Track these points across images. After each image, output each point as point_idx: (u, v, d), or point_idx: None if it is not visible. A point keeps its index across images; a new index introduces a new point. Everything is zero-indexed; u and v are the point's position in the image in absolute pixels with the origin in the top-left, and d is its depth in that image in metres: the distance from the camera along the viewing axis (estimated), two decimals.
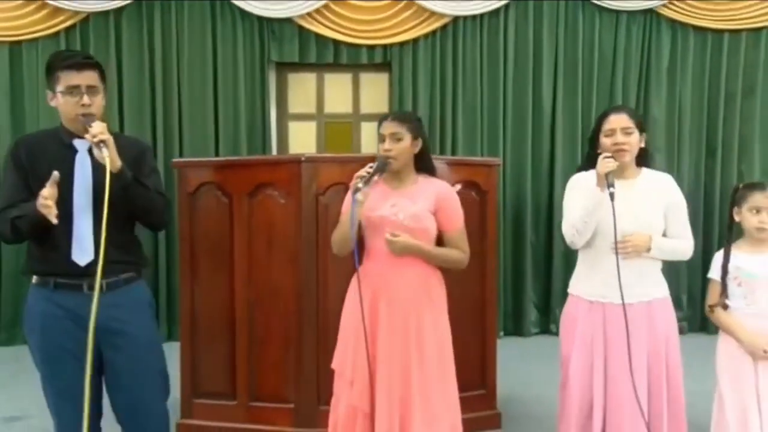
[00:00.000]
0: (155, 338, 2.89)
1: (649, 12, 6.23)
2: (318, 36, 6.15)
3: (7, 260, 6.04)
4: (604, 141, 3.00)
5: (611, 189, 2.81)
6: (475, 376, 3.88)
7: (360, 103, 6.50)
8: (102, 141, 2.49)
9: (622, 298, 2.87)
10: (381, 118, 3.09)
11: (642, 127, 3.05)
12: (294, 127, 6.53)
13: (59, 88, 2.63)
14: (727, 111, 6.32)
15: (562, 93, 6.21)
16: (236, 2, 6.02)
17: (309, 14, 6.05)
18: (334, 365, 3.07)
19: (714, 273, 3.19)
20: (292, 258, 3.62)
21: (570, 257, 6.07)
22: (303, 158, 3.60)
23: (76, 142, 2.67)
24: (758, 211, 3.10)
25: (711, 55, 6.32)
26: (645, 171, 3.09)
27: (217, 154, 6.03)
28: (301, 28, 6.13)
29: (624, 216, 2.87)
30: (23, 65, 6.03)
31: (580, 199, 2.98)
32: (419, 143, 3.05)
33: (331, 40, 6.16)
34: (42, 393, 2.78)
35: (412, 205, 2.97)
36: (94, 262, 2.51)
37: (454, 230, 3.06)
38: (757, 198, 3.10)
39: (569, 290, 3.19)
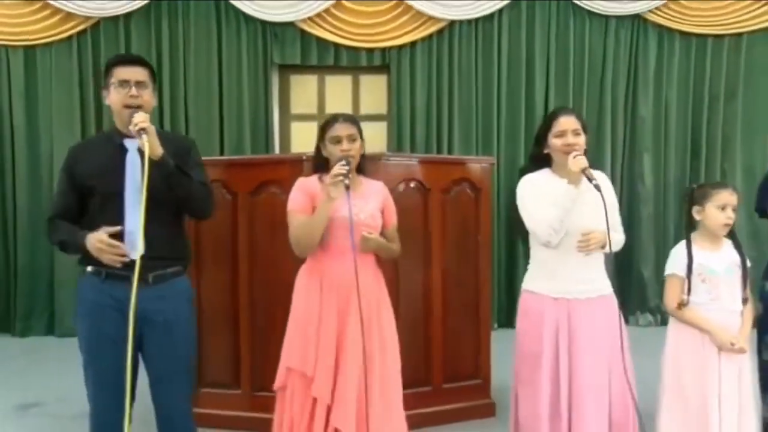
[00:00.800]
0: (191, 334, 2.91)
1: (637, 17, 6.23)
2: (319, 39, 6.14)
3: (22, 256, 6.04)
4: (555, 141, 2.96)
5: (594, 182, 2.79)
6: (470, 367, 3.89)
7: (360, 104, 6.50)
8: (143, 129, 2.55)
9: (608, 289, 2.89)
10: (330, 120, 3.04)
11: (586, 129, 3.02)
12: (296, 127, 6.53)
13: (111, 82, 2.72)
14: (710, 113, 6.33)
15: (554, 94, 6.21)
16: (240, 7, 6.02)
17: (310, 18, 6.05)
18: (292, 364, 2.98)
19: (677, 269, 3.15)
20: (294, 253, 3.61)
21: None
22: (304, 157, 3.59)
23: (127, 142, 2.72)
24: (724, 208, 3.10)
25: (695, 59, 6.32)
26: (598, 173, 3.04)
27: (222, 153, 6.02)
28: (302, 31, 6.13)
29: (584, 214, 2.86)
30: (38, 68, 6.05)
31: (545, 199, 2.94)
32: (364, 144, 3.07)
33: (332, 44, 6.15)
34: (65, 385, 2.79)
35: (367, 205, 3.00)
36: (144, 256, 2.56)
37: (393, 225, 3.12)
38: (725, 195, 3.10)
39: (527, 287, 3.12)
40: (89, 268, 2.73)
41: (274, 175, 3.69)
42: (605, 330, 2.96)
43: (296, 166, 3.59)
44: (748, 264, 3.16)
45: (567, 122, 2.96)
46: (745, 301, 3.14)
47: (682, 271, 3.11)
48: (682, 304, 3.10)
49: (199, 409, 3.70)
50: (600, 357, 2.96)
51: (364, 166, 3.15)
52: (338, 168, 2.81)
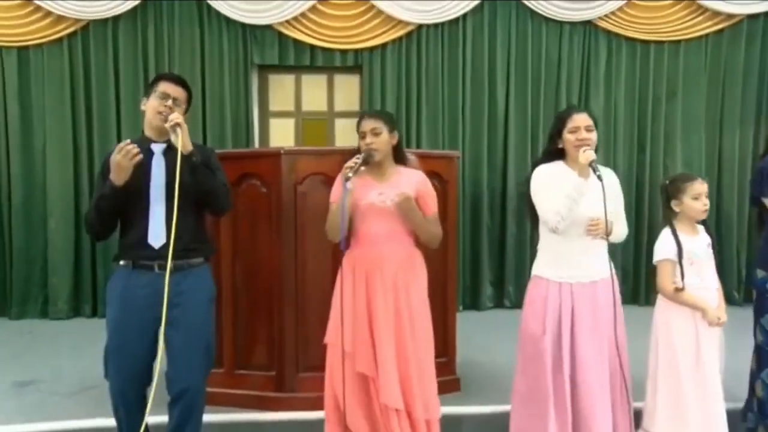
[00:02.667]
0: (208, 320, 2.93)
1: (589, 24, 6.24)
2: (296, 41, 6.08)
3: (17, 244, 5.93)
4: (569, 137, 2.99)
5: (598, 173, 2.84)
6: (437, 346, 3.78)
7: (334, 101, 6.44)
8: (177, 124, 2.69)
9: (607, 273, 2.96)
10: (359, 117, 3.06)
11: (597, 126, 3.06)
12: (274, 124, 6.47)
13: (154, 91, 2.84)
14: (654, 112, 6.36)
15: (514, 93, 6.20)
16: (222, 10, 5.93)
17: (288, 22, 5.98)
18: (327, 340, 3.01)
19: (668, 254, 3.15)
20: (273, 240, 3.56)
21: (521, 239, 6.16)
22: (282, 151, 3.55)
23: (153, 146, 2.82)
24: (699, 197, 3.14)
25: (640, 63, 6.35)
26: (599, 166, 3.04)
27: None
28: (280, 34, 6.06)
29: (590, 204, 2.88)
30: (30, 68, 5.93)
31: (557, 188, 2.95)
32: (396, 136, 3.04)
33: (308, 45, 6.09)
34: (59, 364, 2.76)
35: (397, 193, 2.95)
36: (167, 245, 2.68)
37: (431, 215, 3.07)
38: (697, 186, 3.15)
39: (537, 273, 3.12)
40: (121, 263, 2.84)
41: (254, 168, 3.63)
42: (605, 309, 3.00)
43: (275, 160, 3.53)
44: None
45: (580, 119, 3.00)
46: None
47: (673, 256, 3.12)
48: (679, 289, 3.11)
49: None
50: (601, 334, 2.99)
51: (402, 156, 3.13)
52: (350, 162, 2.84)
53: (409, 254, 3.04)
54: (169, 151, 2.79)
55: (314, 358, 3.30)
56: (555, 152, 3.08)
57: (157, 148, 2.82)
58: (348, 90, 6.40)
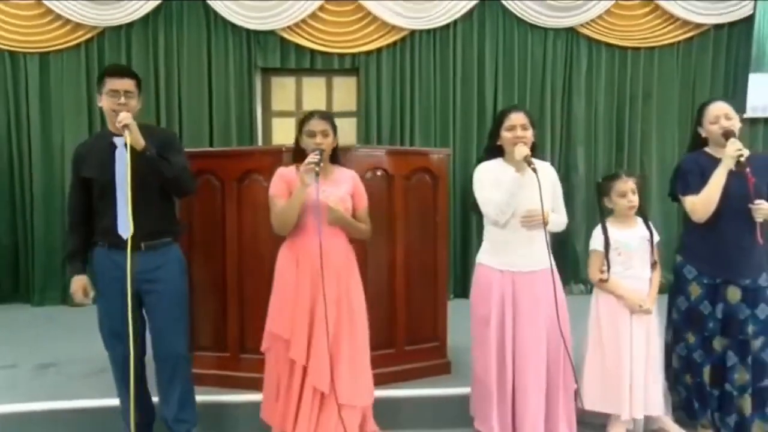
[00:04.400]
0: (181, 290, 3.02)
1: (571, 30, 6.22)
2: (297, 46, 6.04)
3: (38, 235, 5.91)
4: (505, 135, 3.00)
5: (532, 166, 2.82)
6: (429, 331, 3.84)
7: (333, 102, 6.39)
8: (125, 125, 2.68)
9: (547, 263, 2.96)
10: (307, 116, 3.03)
11: (534, 124, 3.05)
12: (276, 123, 6.42)
13: (104, 90, 2.82)
14: (631, 112, 6.35)
15: (502, 95, 6.17)
16: (228, 17, 5.89)
17: (289, 27, 5.94)
18: (273, 329, 2.97)
19: (597, 246, 3.28)
20: (273, 231, 3.51)
21: None
22: (284, 149, 3.50)
23: (116, 140, 2.83)
24: (624, 194, 3.21)
25: (618, 67, 6.33)
26: (534, 160, 3.01)
27: (211, 145, 5.92)
28: (282, 39, 6.02)
29: (529, 197, 2.87)
30: (50, 72, 5.90)
31: (495, 184, 2.98)
32: (337, 138, 3.04)
33: (308, 49, 6.06)
34: (77, 347, 2.89)
35: (337, 190, 2.97)
36: (134, 235, 2.74)
37: (363, 208, 3.09)
38: (620, 185, 3.24)
39: (480, 261, 3.15)
40: (97, 244, 2.92)
41: (257, 165, 3.59)
42: (545, 297, 2.99)
43: (276, 157, 3.48)
44: (657, 237, 3.30)
45: (516, 118, 2.99)
46: (653, 265, 3.28)
47: (601, 248, 3.25)
48: (602, 280, 3.23)
49: (192, 370, 3.64)
50: (539, 321, 2.99)
51: (338, 157, 3.13)
52: (310, 158, 2.80)
53: (346, 248, 3.03)
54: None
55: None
56: (496, 150, 3.09)
57: (119, 141, 2.80)
58: (346, 91, 6.36)
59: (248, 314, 3.61)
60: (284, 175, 3.00)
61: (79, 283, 2.94)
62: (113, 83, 2.81)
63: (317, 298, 2.89)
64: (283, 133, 6.33)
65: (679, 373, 3.28)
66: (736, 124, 3.09)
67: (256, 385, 3.49)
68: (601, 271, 3.25)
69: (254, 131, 6.12)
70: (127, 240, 2.74)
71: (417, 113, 6.11)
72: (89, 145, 3.04)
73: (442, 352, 3.88)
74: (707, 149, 3.20)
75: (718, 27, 6.29)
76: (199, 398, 3.23)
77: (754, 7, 6.00)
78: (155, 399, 3.11)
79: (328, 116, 3.07)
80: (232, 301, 3.64)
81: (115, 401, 3.12)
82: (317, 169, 2.76)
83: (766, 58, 6.07)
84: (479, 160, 3.17)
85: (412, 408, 3.46)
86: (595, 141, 6.31)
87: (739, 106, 6.09)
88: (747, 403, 3.11)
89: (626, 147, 6.34)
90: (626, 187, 3.21)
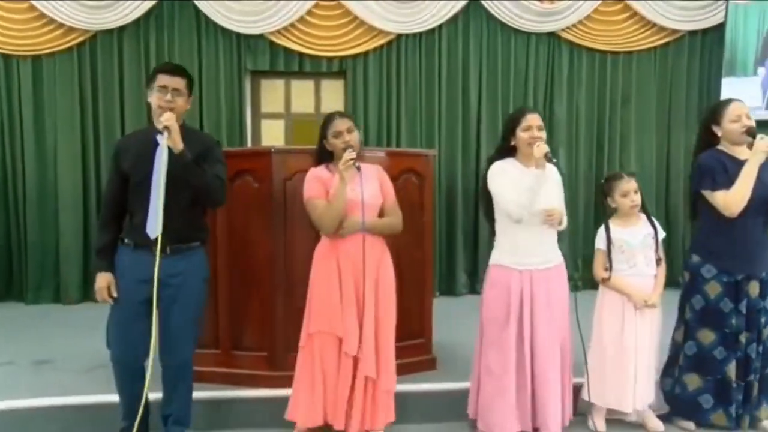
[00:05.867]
0: (199, 298, 2.93)
1: (552, 35, 6.25)
2: (286, 49, 6.02)
3: (32, 235, 5.85)
4: (522, 135, 3.01)
5: (555, 160, 2.88)
6: (415, 328, 3.83)
7: (321, 104, 6.37)
8: (166, 127, 2.61)
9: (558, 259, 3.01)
10: (328, 118, 3.04)
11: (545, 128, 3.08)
12: (266, 125, 6.39)
13: (154, 86, 2.75)
14: (611, 115, 6.39)
15: (486, 97, 6.18)
16: (218, 21, 5.87)
17: (278, 31, 5.92)
18: (322, 327, 2.99)
19: (600, 245, 3.29)
20: (265, 232, 3.50)
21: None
22: (273, 150, 3.49)
23: (159, 137, 2.71)
24: (626, 194, 3.22)
25: (598, 71, 6.37)
26: (546, 163, 3.05)
27: None
28: (272, 42, 5.99)
29: (546, 195, 2.90)
30: (43, 75, 5.83)
31: (513, 182, 2.97)
32: (360, 134, 3.06)
33: (297, 53, 6.04)
34: (72, 344, 2.84)
35: (368, 187, 2.95)
36: (162, 235, 2.68)
37: (392, 200, 3.09)
38: (623, 185, 3.24)
39: (495, 262, 3.12)
40: (125, 241, 2.83)
41: (248, 165, 3.56)
42: (557, 293, 3.04)
43: (266, 158, 3.47)
44: (662, 234, 3.31)
45: (533, 119, 3.02)
46: (658, 261, 3.28)
47: (604, 246, 3.26)
48: (605, 279, 3.24)
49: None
50: (555, 316, 3.03)
51: (362, 154, 3.11)
52: (348, 154, 2.83)
53: (382, 244, 3.06)
54: None
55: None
56: (506, 150, 3.10)
57: (162, 139, 2.72)
58: (333, 94, 6.34)
59: (239, 312, 3.59)
60: (318, 176, 3.01)
61: (105, 280, 2.81)
62: (163, 79, 2.74)
63: (360, 294, 2.95)
64: (272, 135, 6.33)
65: (682, 372, 3.26)
66: (753, 123, 3.12)
67: (249, 382, 3.50)
68: (605, 270, 3.25)
69: (244, 133, 6.09)
70: (154, 240, 2.68)
71: (403, 115, 6.11)
72: (131, 138, 2.99)
73: (427, 348, 3.88)
74: (721, 147, 3.20)
75: (692, 33, 6.36)
76: (194, 395, 3.22)
77: (726, 15, 6.07)
78: (152, 395, 3.01)
79: (348, 114, 3.13)
80: (223, 299, 3.61)
81: (111, 397, 3.07)
82: (357, 164, 2.84)
83: (737, 63, 6.15)
84: (490, 160, 3.15)
85: (398, 402, 3.44)
86: (576, 142, 6.33)
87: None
88: (755, 388, 3.18)
89: (606, 148, 6.38)
90: (629, 187, 3.22)
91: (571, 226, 6.07)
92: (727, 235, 3.11)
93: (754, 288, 3.12)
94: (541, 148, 2.88)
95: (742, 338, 3.13)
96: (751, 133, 3.06)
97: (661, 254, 3.28)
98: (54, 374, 3.77)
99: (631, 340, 3.18)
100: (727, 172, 3.07)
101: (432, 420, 3.40)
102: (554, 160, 2.86)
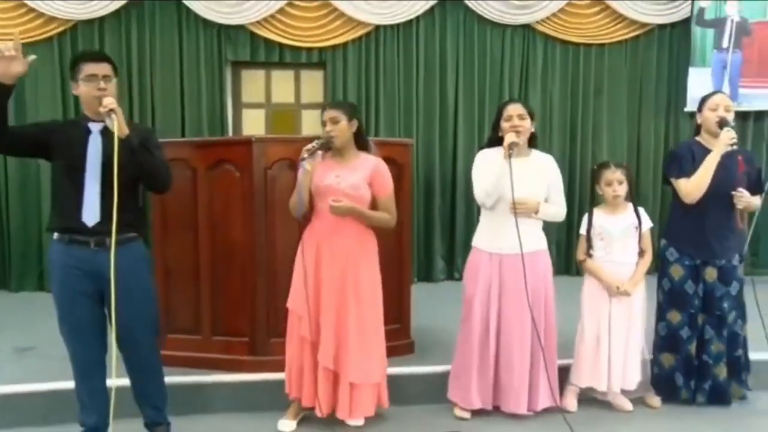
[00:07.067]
0: (148, 287, 2.81)
1: (527, 27, 6.24)
2: (266, 40, 5.96)
3: (14, 223, 5.78)
4: (504, 125, 3.08)
5: (511, 151, 2.93)
6: (394, 313, 3.82)
7: (300, 94, 6.33)
8: (111, 110, 2.47)
9: (521, 248, 2.99)
10: (322, 107, 3.03)
11: (533, 116, 3.13)
12: (246, 114, 6.34)
13: (81, 76, 2.61)
14: (584, 106, 6.41)
15: (462, 88, 6.17)
16: (199, 11, 5.79)
17: (259, 22, 5.86)
18: (291, 305, 3.02)
19: (582, 229, 3.35)
20: (246, 219, 3.49)
21: (470, 218, 6.12)
22: (254, 139, 3.47)
23: (91, 125, 2.63)
24: (610, 184, 3.24)
25: (572, 63, 6.38)
26: (534, 152, 3.14)
27: (183, 136, 5.81)
28: (252, 33, 5.93)
29: (519, 185, 2.92)
30: None
31: (487, 170, 3.03)
32: (355, 123, 3.00)
33: (277, 44, 5.98)
34: (56, 331, 2.72)
35: (352, 176, 2.94)
36: (100, 223, 2.54)
37: (384, 196, 3.04)
38: (607, 174, 3.28)
39: (473, 244, 3.21)
40: (55, 236, 2.67)
41: (228, 154, 3.54)
42: (531, 279, 3.05)
43: (246, 147, 3.44)
44: (648, 225, 3.34)
45: (513, 109, 3.08)
46: (641, 253, 3.31)
47: (584, 231, 3.34)
48: (581, 262, 3.33)
49: (165, 351, 3.61)
50: (524, 300, 3.05)
51: (365, 142, 3.09)
52: (308, 145, 2.84)
53: (359, 232, 3.00)
54: (107, 131, 2.56)
55: (284, 324, 3.25)
56: (498, 140, 3.13)
57: (95, 128, 2.62)
58: (313, 84, 6.30)
59: (221, 298, 3.57)
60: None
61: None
62: (91, 68, 2.60)
63: (323, 279, 2.93)
64: (253, 125, 6.28)
65: (658, 352, 3.36)
66: (731, 117, 3.18)
67: (229, 366, 3.48)
68: (585, 254, 3.32)
69: (225, 122, 6.04)
70: (91, 230, 2.55)
71: (381, 105, 6.09)
72: (63, 126, 2.79)
73: (406, 332, 3.90)
74: (698, 138, 3.30)
75: (661, 27, 6.39)
76: (175, 379, 3.20)
77: (692, 10, 6.13)
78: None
79: (340, 104, 3.10)
80: (205, 285, 3.59)
81: None
82: (305, 155, 2.81)
83: (698, 53, 6.18)
84: (480, 149, 3.24)
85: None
86: (550, 132, 6.34)
87: (681, 100, 6.28)
88: (723, 371, 3.27)
89: (579, 138, 6.40)
90: (612, 177, 3.25)
91: None
92: (690, 221, 3.22)
93: (711, 273, 3.23)
94: (508, 137, 2.94)
95: (700, 319, 3.26)
96: (721, 124, 3.12)
97: (646, 246, 3.32)
98: (36, 361, 3.73)
99: (606, 322, 3.23)
100: (694, 160, 3.16)
101: (410, 403, 3.41)
102: (511, 151, 2.92)
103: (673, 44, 6.44)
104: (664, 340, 3.32)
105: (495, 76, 6.24)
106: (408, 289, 3.93)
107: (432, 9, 6.08)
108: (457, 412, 3.23)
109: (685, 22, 6.28)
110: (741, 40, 6.05)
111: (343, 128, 2.94)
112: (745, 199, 3.12)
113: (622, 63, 6.43)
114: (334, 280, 2.93)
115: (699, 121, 3.28)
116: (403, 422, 3.22)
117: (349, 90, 6.05)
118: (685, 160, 3.19)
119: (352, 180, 2.94)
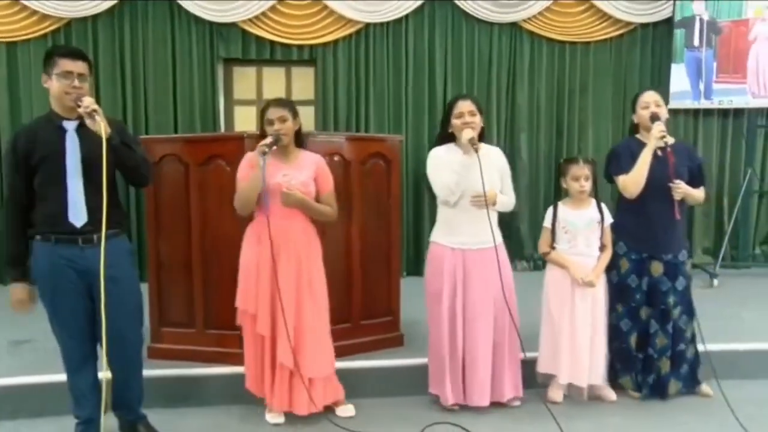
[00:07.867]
0: (134, 281, 2.79)
1: (514, 25, 6.25)
2: (258, 37, 5.94)
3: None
4: (455, 122, 3.07)
5: (475, 146, 2.91)
6: (384, 307, 3.87)
7: (292, 91, 6.31)
8: (94, 110, 2.43)
9: (495, 241, 3.06)
10: (265, 105, 3.01)
11: (482, 111, 3.10)
12: (238, 111, 6.32)
13: (55, 71, 2.52)
14: (570, 103, 6.43)
15: (451, 84, 6.18)
16: (191, 9, 5.77)
17: (250, 20, 5.84)
18: (242, 305, 3.00)
19: (547, 222, 3.38)
20: (237, 213, 3.48)
21: None
22: (245, 135, 3.45)
23: (65, 123, 2.56)
24: (577, 179, 3.26)
25: (558, 61, 6.40)
26: (484, 145, 3.12)
27: (176, 132, 5.79)
28: (244, 31, 5.92)
29: (478, 178, 2.93)
30: (18, 62, 5.70)
31: (446, 167, 3.02)
32: (298, 122, 3.01)
33: (268, 41, 5.96)
34: (48, 326, 2.73)
35: (300, 174, 2.95)
36: (88, 224, 2.53)
37: (327, 191, 3.06)
38: (575, 169, 3.31)
39: (433, 239, 3.20)
40: (38, 237, 2.60)
41: (220, 150, 3.54)
42: (493, 273, 3.05)
43: (238, 142, 3.44)
44: (609, 220, 3.36)
45: (464, 105, 3.06)
46: (602, 248, 3.35)
47: (548, 224, 3.37)
48: (546, 254, 3.35)
49: (159, 345, 3.65)
50: (487, 294, 3.07)
51: (303, 140, 3.10)
52: (263, 142, 2.83)
53: (305, 228, 3.02)
54: (82, 129, 2.53)
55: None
56: (448, 136, 3.14)
57: (70, 126, 2.56)
58: (304, 81, 6.28)
59: (213, 292, 3.57)
60: (250, 159, 2.99)
61: (24, 291, 2.64)
62: (67, 65, 2.51)
63: (280, 277, 2.90)
64: (245, 121, 6.25)
65: (609, 341, 3.39)
66: (663, 111, 3.27)
67: (222, 359, 3.48)
68: (549, 246, 3.35)
69: (217, 119, 6.02)
70: (78, 230, 2.53)
71: (371, 102, 6.08)
72: (32, 129, 2.65)
73: (395, 325, 3.91)
74: (638, 136, 3.37)
75: (644, 26, 6.43)
76: (169, 372, 3.21)
77: (674, 10, 6.16)
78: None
79: (285, 102, 3.05)
80: (197, 279, 3.59)
81: None
82: (266, 150, 2.81)
83: (678, 51, 6.19)
84: (432, 147, 3.20)
85: (367, 378, 3.48)
86: (537, 129, 6.37)
87: (663, 96, 6.28)
88: (665, 365, 3.31)
89: (565, 134, 6.42)
90: (580, 173, 3.28)
91: (531, 207, 6.25)
92: (633, 216, 3.28)
93: (656, 268, 3.27)
94: (467, 133, 2.94)
95: (643, 313, 3.30)
96: (653, 118, 3.20)
97: (607, 241, 3.35)
98: (33, 353, 3.73)
99: (569, 313, 3.26)
100: (633, 158, 3.21)
101: (399, 394, 3.43)
102: (475, 147, 2.90)
103: (655, 42, 6.48)
104: (611, 330, 3.37)
105: (483, 73, 6.25)
106: (397, 283, 3.94)
107: (421, 7, 6.08)
108: (443, 403, 3.24)
109: (667, 22, 6.31)
110: (711, 38, 6.08)
111: (289, 127, 2.96)
112: (681, 189, 3.15)
113: (606, 61, 6.45)
114: (291, 277, 2.92)
115: (635, 120, 3.36)
116: (393, 414, 3.24)
117: (339, 87, 6.05)
118: (624, 157, 3.26)
119: (302, 178, 2.97)
